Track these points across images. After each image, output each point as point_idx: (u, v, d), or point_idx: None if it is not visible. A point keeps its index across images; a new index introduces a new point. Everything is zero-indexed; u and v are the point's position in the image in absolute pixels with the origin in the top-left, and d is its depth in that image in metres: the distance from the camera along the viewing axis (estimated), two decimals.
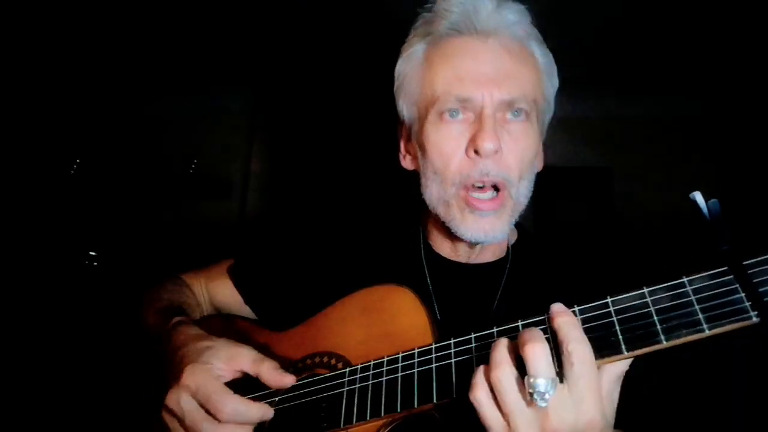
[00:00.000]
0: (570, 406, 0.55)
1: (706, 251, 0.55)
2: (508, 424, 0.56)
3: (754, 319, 0.51)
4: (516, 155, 0.84)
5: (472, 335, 0.67)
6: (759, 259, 0.53)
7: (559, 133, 2.90)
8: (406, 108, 0.94)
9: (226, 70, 2.93)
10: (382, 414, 0.70)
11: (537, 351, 0.54)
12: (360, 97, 2.73)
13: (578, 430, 0.55)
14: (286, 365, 0.86)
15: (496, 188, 0.84)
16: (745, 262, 0.53)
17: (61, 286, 2.69)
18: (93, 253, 2.81)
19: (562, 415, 0.55)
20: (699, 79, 2.88)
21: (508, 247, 0.98)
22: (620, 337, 0.57)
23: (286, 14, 2.43)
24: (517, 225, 1.03)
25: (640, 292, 0.58)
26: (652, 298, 0.57)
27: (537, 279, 0.94)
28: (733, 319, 0.52)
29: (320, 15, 2.43)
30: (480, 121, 0.82)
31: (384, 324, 0.79)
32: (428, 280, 0.95)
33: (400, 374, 0.71)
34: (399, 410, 0.68)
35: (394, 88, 0.95)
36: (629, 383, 0.60)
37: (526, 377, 0.54)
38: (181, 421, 0.72)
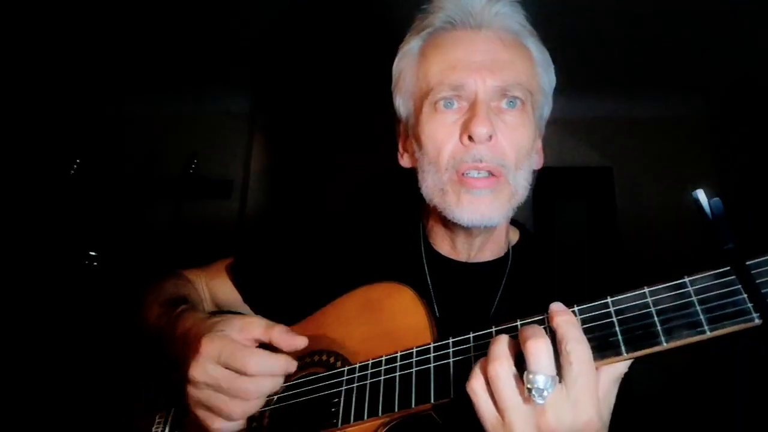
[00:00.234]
0: (568, 406, 0.54)
1: (708, 251, 0.54)
2: (503, 419, 0.55)
3: (756, 321, 0.50)
4: (512, 143, 0.84)
5: (471, 335, 0.67)
6: (762, 259, 0.52)
7: (559, 133, 2.90)
8: (402, 104, 0.94)
9: (226, 70, 2.92)
10: (380, 414, 0.69)
11: (539, 346, 0.53)
12: (360, 97, 2.72)
13: (576, 431, 0.54)
14: None
15: (491, 175, 0.84)
16: (747, 262, 0.52)
17: (61, 286, 2.68)
18: (93, 253, 2.80)
19: (559, 414, 0.54)
20: (699, 79, 2.87)
21: (508, 248, 0.98)
22: (620, 337, 0.56)
23: (286, 14, 2.43)
24: (519, 226, 1.03)
25: (640, 291, 0.57)
26: (652, 298, 0.56)
27: (538, 279, 0.93)
28: (734, 320, 0.51)
29: (320, 15, 2.43)
30: (473, 108, 0.82)
31: (383, 323, 0.79)
32: (428, 279, 0.94)
33: (398, 374, 0.70)
34: (396, 410, 0.68)
35: (392, 86, 0.96)
36: (624, 386, 0.59)
37: (525, 373, 0.53)
38: (215, 388, 0.71)
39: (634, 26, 2.42)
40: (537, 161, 0.94)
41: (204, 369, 0.71)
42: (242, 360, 0.71)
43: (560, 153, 2.95)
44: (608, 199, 3.04)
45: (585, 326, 0.58)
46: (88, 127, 3.12)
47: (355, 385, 0.74)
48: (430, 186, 0.87)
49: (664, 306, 0.55)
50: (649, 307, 0.56)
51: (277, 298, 1.02)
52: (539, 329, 0.56)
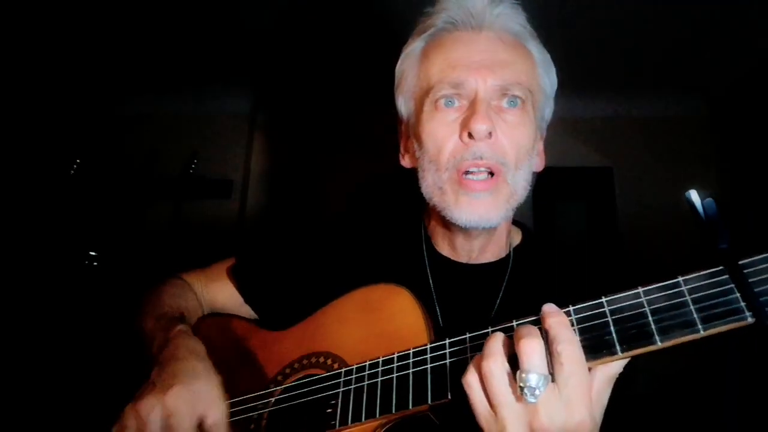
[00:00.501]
0: (560, 406, 0.54)
1: (702, 250, 0.54)
2: (496, 415, 0.56)
3: (749, 320, 0.51)
4: (512, 141, 0.84)
5: (467, 335, 0.67)
6: (754, 258, 0.52)
7: (559, 133, 2.90)
8: (404, 104, 0.95)
9: (226, 70, 2.93)
10: (378, 415, 0.69)
11: (532, 345, 0.54)
12: (360, 97, 2.73)
13: (568, 431, 0.55)
14: (283, 365, 0.86)
15: (491, 174, 0.84)
16: (740, 262, 0.52)
17: (61, 286, 2.69)
18: (93, 253, 2.81)
19: (551, 414, 0.54)
20: (699, 79, 2.87)
21: (510, 249, 0.98)
22: (614, 336, 0.56)
23: (287, 14, 2.43)
24: (521, 227, 1.03)
25: (635, 291, 0.57)
26: (647, 297, 0.56)
27: (539, 281, 0.93)
28: (728, 319, 0.52)
29: (321, 15, 2.43)
30: (473, 106, 0.83)
31: (381, 324, 0.79)
32: (430, 281, 0.94)
33: (395, 375, 0.70)
34: (394, 411, 0.68)
35: (394, 87, 0.96)
36: (618, 387, 0.59)
37: (518, 372, 0.53)
38: (140, 428, 0.69)
39: (634, 26, 2.42)
40: (538, 163, 0.94)
41: (151, 410, 0.69)
42: None
43: (560, 153, 2.95)
44: (608, 199, 3.04)
45: (580, 326, 0.58)
46: (88, 127, 3.13)
47: (352, 386, 0.74)
48: (429, 184, 0.87)
49: (659, 305, 0.55)
50: (644, 307, 0.56)
51: (279, 299, 1.02)
52: (534, 329, 0.57)
